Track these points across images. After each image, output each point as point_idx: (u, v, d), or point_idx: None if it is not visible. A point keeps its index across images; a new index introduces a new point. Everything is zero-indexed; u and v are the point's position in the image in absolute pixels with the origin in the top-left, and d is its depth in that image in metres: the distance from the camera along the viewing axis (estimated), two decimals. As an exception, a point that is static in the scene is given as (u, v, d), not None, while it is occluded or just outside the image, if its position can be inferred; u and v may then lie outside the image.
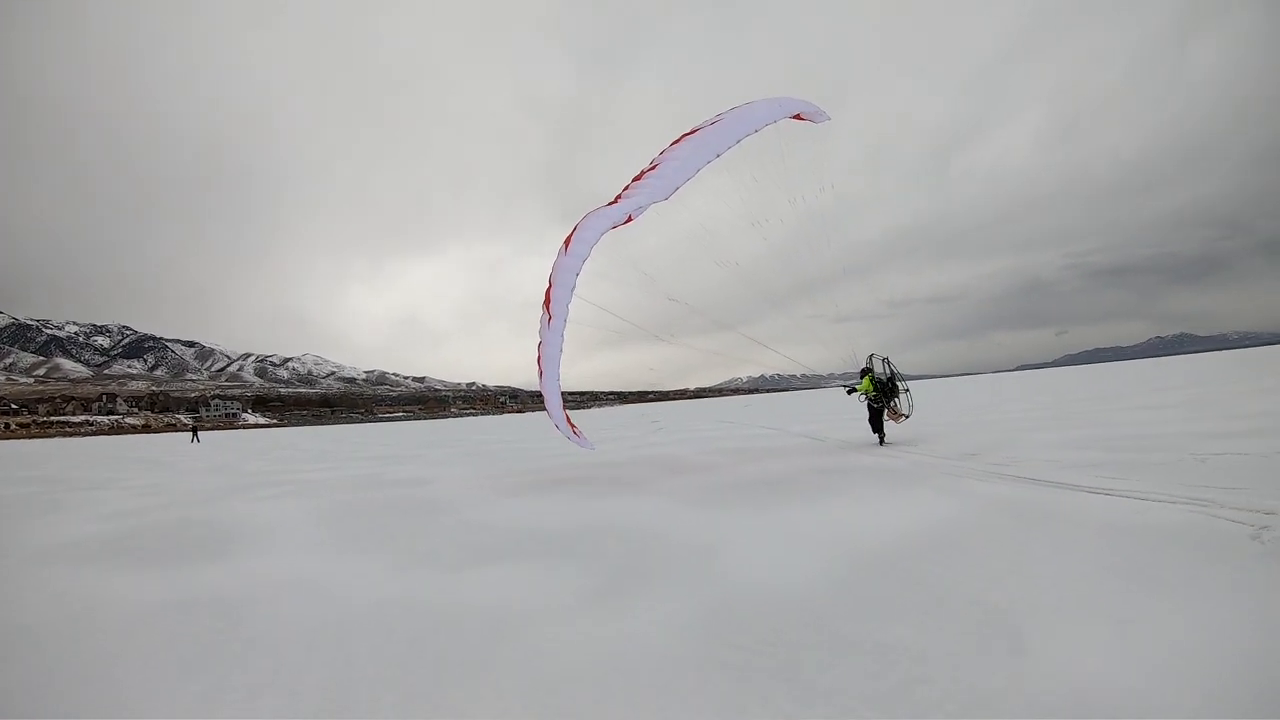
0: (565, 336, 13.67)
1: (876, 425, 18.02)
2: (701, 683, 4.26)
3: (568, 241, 13.38)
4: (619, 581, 6.58)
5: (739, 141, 13.34)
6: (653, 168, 13.72)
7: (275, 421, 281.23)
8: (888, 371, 17.58)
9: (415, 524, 10.61)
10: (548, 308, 13.62)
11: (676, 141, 14.00)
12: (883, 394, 17.59)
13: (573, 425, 15.56)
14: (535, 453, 25.19)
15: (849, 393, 18.47)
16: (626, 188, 13.90)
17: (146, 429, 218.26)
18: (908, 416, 18.07)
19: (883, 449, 16.77)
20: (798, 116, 14.65)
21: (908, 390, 17.78)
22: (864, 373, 17.71)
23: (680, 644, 4.86)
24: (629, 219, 13.13)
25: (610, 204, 13.62)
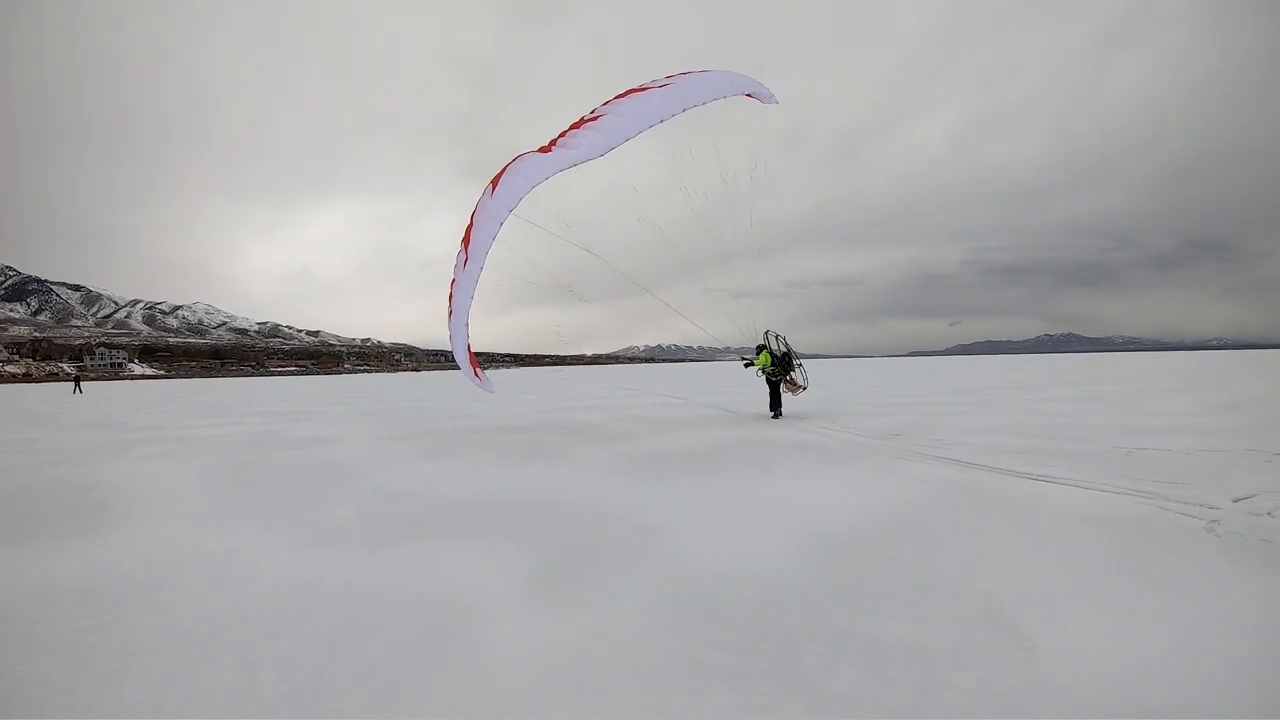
0: (479, 283, 12.99)
1: (775, 399, 18.53)
2: (695, 692, 3.65)
3: (495, 182, 12.69)
4: (568, 565, 5.89)
5: (684, 110, 12.90)
6: (595, 118, 13.02)
7: (163, 373, 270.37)
8: (782, 348, 18.11)
9: (319, 490, 9.63)
10: (466, 248, 13.02)
11: (621, 96, 13.36)
12: (780, 368, 18.05)
13: (476, 369, 15.22)
14: (441, 413, 24.19)
15: (745, 366, 18.99)
16: (563, 134, 13.15)
17: (27, 378, 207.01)
18: (804, 389, 18.66)
19: (803, 424, 16.61)
20: (748, 94, 14.44)
21: (801, 365, 18.33)
22: (759, 349, 18.10)
23: (659, 644, 4.22)
24: (573, 165, 12.41)
25: (542, 150, 12.87)
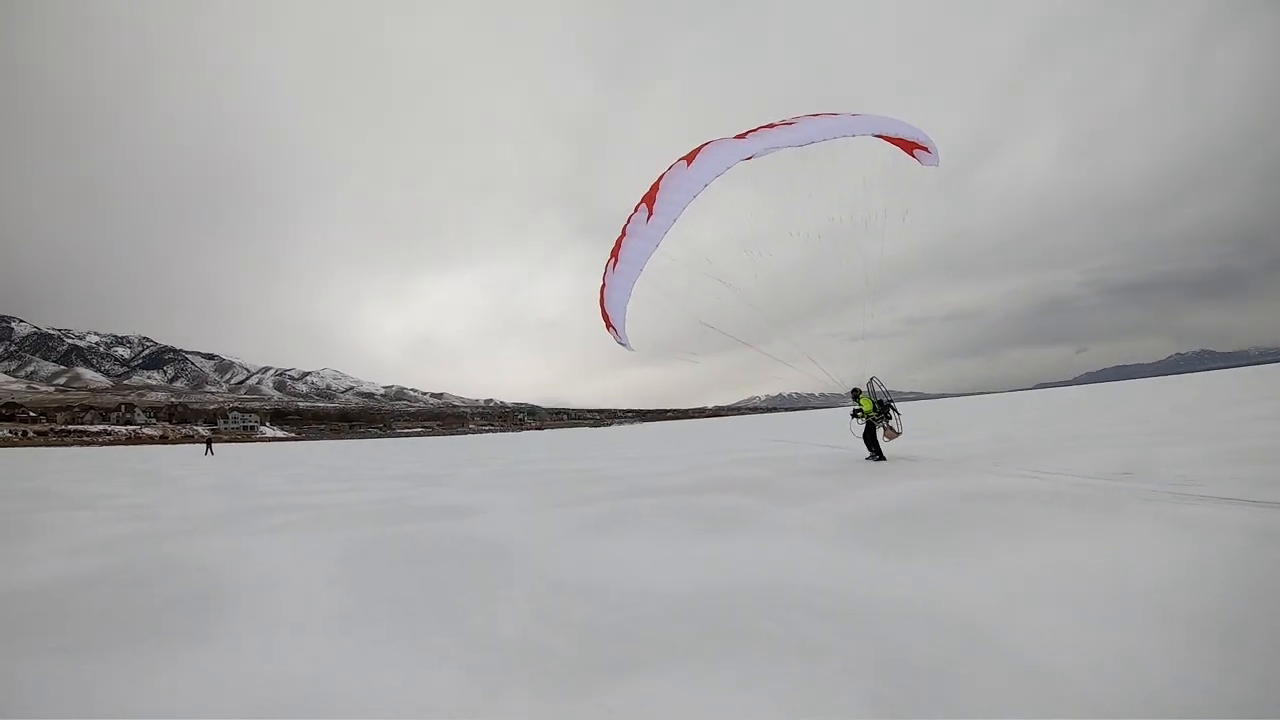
0: (657, 245, 12.83)
1: (871, 442, 18.18)
2: None
3: (689, 158, 12.65)
4: (897, 701, 3.88)
5: (871, 134, 13.62)
6: (787, 124, 12.90)
7: (293, 435, 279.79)
8: (883, 392, 18.07)
9: (478, 581, 7.42)
10: (649, 205, 12.72)
11: (811, 115, 13.45)
12: (880, 413, 17.82)
13: (613, 327, 14.55)
14: (586, 474, 21.45)
15: (854, 415, 18.66)
16: (753, 130, 12.87)
17: (164, 440, 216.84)
18: (899, 434, 18.17)
19: (995, 467, 14.54)
20: (920, 147, 14.77)
21: (896, 409, 18.09)
22: (854, 394, 18.01)
23: None
24: (750, 157, 12.38)
25: (737, 137, 12.73)
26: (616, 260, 13.48)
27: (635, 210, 13.22)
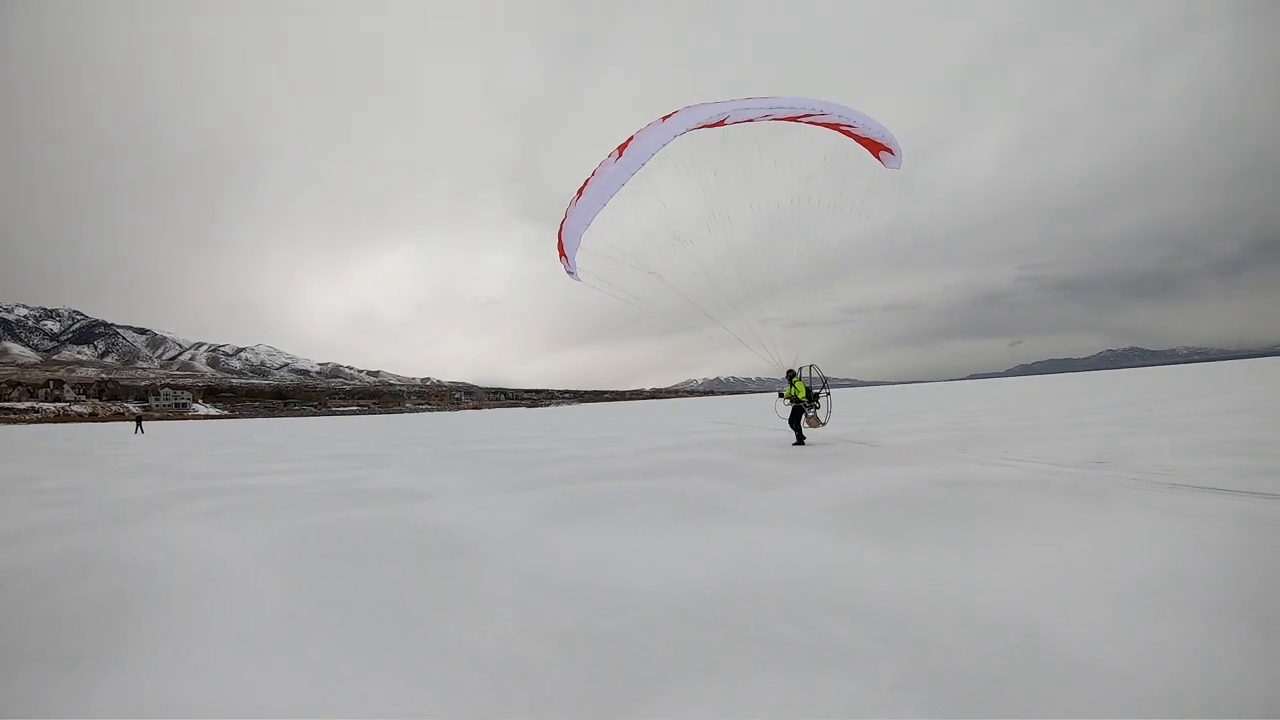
0: (623, 185, 13.00)
1: (795, 426, 18.70)
2: None
3: (666, 117, 12.92)
4: None
5: (840, 123, 14.02)
6: (764, 98, 13.26)
7: (226, 413, 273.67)
8: (818, 378, 18.62)
9: (441, 579, 6.42)
10: (620, 151, 12.94)
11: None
12: (809, 399, 18.33)
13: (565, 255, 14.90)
14: (533, 455, 20.50)
15: (779, 395, 19.28)
16: (729, 100, 13.27)
17: (94, 417, 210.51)
18: (824, 425, 18.70)
19: (966, 455, 14.53)
20: (884, 148, 14.99)
21: (829, 394, 18.70)
22: (789, 376, 18.36)
23: None
24: (722, 121, 12.83)
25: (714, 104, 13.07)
26: (580, 195, 13.70)
27: (607, 156, 13.39)
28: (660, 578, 6.04)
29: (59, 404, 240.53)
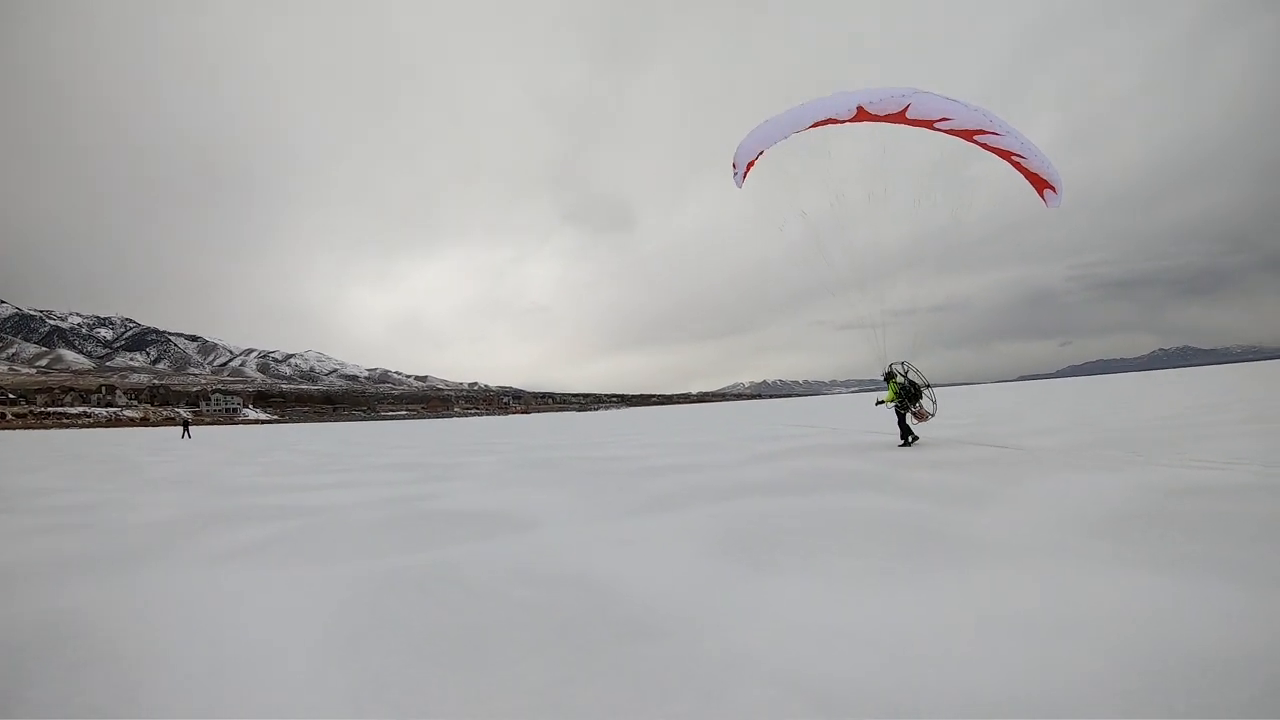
0: (819, 120, 13.21)
1: (902, 424, 18.22)
2: None
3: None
4: None
5: (1003, 147, 13.39)
6: (945, 98, 13.06)
7: (276, 418, 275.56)
8: (909, 378, 17.70)
9: (632, 694, 3.51)
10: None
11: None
12: (907, 398, 17.66)
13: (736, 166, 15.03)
14: (623, 463, 17.56)
15: (877, 404, 19.24)
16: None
17: (145, 422, 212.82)
18: (933, 415, 18.18)
19: (1151, 461, 12.15)
20: (1048, 185, 14.07)
21: (929, 387, 17.93)
22: (887, 378, 17.66)
23: None
24: (903, 112, 12.78)
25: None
26: (767, 122, 13.98)
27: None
28: (970, 663, 3.33)
29: (111, 409, 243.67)
